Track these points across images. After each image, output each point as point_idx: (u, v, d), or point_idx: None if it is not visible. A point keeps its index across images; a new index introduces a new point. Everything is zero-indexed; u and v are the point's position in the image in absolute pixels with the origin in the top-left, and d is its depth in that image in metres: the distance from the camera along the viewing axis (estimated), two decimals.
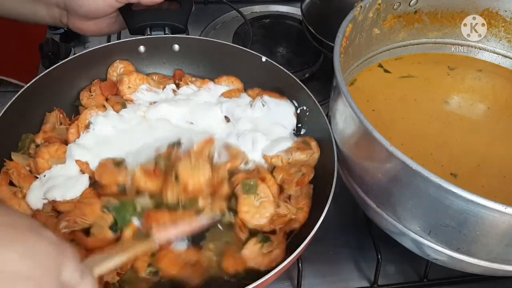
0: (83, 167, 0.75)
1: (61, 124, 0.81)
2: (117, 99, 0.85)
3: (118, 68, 0.88)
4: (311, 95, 0.81)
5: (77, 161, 0.75)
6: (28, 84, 0.79)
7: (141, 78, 0.87)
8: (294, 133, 0.83)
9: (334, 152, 0.72)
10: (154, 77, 0.90)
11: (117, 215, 0.69)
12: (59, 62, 0.84)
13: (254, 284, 0.60)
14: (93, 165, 0.75)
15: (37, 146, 0.78)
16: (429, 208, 0.59)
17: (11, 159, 0.75)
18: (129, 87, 0.85)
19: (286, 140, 0.80)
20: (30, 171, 0.75)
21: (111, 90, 0.86)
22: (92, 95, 0.85)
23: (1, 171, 0.74)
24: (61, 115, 0.82)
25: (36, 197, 0.72)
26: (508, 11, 0.86)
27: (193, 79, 0.90)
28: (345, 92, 0.64)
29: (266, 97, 0.84)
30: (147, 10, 0.92)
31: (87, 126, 0.79)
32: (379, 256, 0.74)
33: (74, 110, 0.85)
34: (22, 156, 0.76)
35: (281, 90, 0.86)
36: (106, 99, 0.85)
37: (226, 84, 0.89)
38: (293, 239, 0.72)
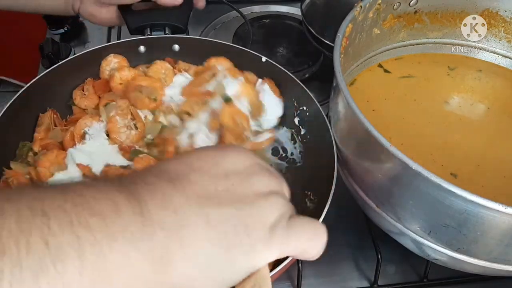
0: (85, 170, 0.74)
1: (55, 125, 0.80)
2: (109, 97, 0.84)
3: (111, 62, 0.87)
4: (311, 95, 0.81)
5: (78, 164, 0.74)
6: (28, 84, 0.79)
7: (132, 73, 0.85)
8: (293, 133, 0.84)
9: (334, 152, 0.72)
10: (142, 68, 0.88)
11: None
12: (59, 62, 0.84)
13: None
14: (96, 168, 0.74)
15: (35, 154, 0.76)
16: (429, 208, 0.59)
17: (9, 168, 0.74)
18: (121, 83, 0.84)
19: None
20: (30, 179, 0.73)
21: (104, 89, 0.85)
22: (85, 94, 0.84)
23: (1, 180, 0.72)
24: (54, 116, 0.81)
25: None
26: (508, 11, 0.86)
27: (187, 67, 0.89)
28: (345, 92, 0.64)
29: (266, 86, 0.83)
30: (147, 10, 0.92)
31: (82, 137, 0.78)
32: (379, 256, 0.74)
33: (70, 110, 0.85)
34: (21, 165, 0.75)
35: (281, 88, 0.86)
36: (99, 97, 0.84)
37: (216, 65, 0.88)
38: None
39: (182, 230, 0.34)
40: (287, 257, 0.63)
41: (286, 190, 0.45)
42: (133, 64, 0.88)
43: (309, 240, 0.41)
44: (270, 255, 0.38)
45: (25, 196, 0.31)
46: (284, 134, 0.85)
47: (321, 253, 0.42)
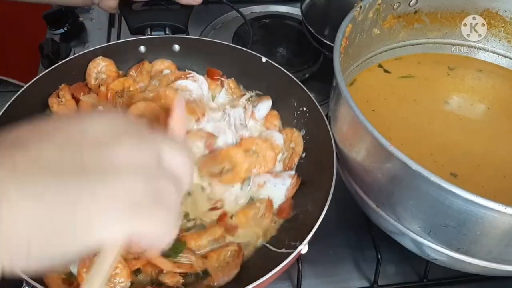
0: None
1: None
2: (90, 99, 0.82)
3: (99, 65, 0.85)
4: (311, 95, 0.81)
5: None
6: (28, 84, 0.79)
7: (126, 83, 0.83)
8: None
9: (334, 152, 0.72)
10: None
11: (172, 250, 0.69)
12: (59, 62, 0.84)
13: (254, 284, 0.60)
14: None
15: None
16: (429, 208, 0.59)
17: None
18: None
19: None
20: None
21: (82, 90, 0.83)
22: (62, 101, 0.81)
23: None
24: None
25: None
26: (508, 11, 0.86)
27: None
28: (345, 92, 0.64)
29: (288, 181, 0.78)
30: (148, 10, 0.92)
31: None
32: (379, 256, 0.74)
33: None
34: None
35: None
36: (77, 101, 0.82)
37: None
38: (292, 238, 0.72)
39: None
40: (288, 256, 0.63)
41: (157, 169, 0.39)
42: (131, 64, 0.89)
43: (151, 232, 0.38)
44: (103, 233, 0.35)
45: None
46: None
47: (160, 247, 0.40)
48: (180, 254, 0.68)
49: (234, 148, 0.77)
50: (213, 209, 0.74)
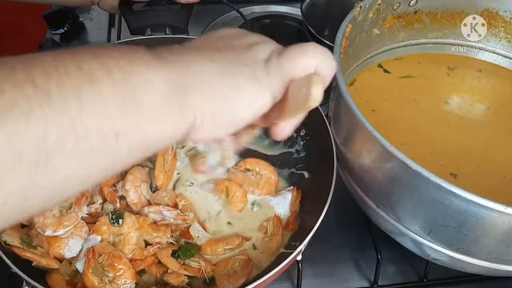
0: None
1: None
2: None
3: None
4: None
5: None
6: None
7: None
8: (293, 134, 0.84)
9: (334, 152, 0.72)
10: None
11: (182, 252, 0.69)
12: None
13: (254, 284, 0.60)
14: None
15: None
16: (429, 208, 0.59)
17: None
18: None
19: None
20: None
21: None
22: None
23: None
24: None
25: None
26: (508, 11, 0.86)
27: None
28: (345, 92, 0.64)
29: (288, 196, 0.79)
30: (148, 10, 0.92)
31: None
32: (379, 256, 0.74)
33: None
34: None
35: None
36: None
37: None
38: (292, 238, 0.72)
39: (191, 65, 0.41)
40: (288, 256, 0.63)
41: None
42: None
43: (304, 56, 0.44)
44: (272, 79, 0.44)
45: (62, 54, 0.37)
46: None
47: (331, 68, 0.45)
48: (191, 258, 0.68)
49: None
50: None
